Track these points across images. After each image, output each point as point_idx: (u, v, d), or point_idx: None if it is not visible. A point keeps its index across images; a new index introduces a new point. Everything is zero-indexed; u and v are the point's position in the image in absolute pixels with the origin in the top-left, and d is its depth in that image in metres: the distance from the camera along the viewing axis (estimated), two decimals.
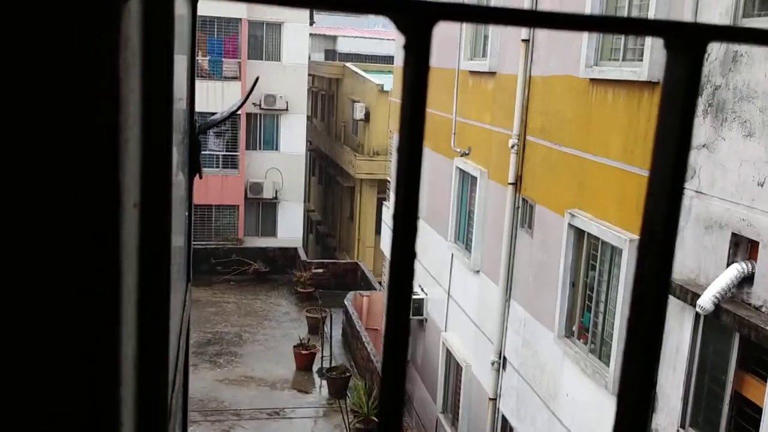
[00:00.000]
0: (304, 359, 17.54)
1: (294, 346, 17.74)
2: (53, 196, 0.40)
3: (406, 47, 0.46)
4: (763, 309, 5.65)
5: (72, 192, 0.41)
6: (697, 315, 6.28)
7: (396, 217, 0.45)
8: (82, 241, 0.42)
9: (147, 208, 0.57)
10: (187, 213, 1.54)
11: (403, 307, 0.48)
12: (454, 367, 12.86)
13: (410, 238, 0.45)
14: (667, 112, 0.49)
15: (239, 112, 25.21)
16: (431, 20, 0.44)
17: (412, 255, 0.48)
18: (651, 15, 7.16)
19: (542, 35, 9.73)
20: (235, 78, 25.40)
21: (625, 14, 7.95)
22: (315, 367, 17.59)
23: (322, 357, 17.41)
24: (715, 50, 6.27)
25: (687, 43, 0.48)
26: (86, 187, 0.41)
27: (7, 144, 0.41)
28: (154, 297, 0.63)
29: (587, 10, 8.37)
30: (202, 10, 26.29)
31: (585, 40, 8.40)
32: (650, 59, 7.13)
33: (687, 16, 6.57)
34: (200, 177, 1.64)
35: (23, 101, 0.41)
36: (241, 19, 25.25)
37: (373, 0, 0.44)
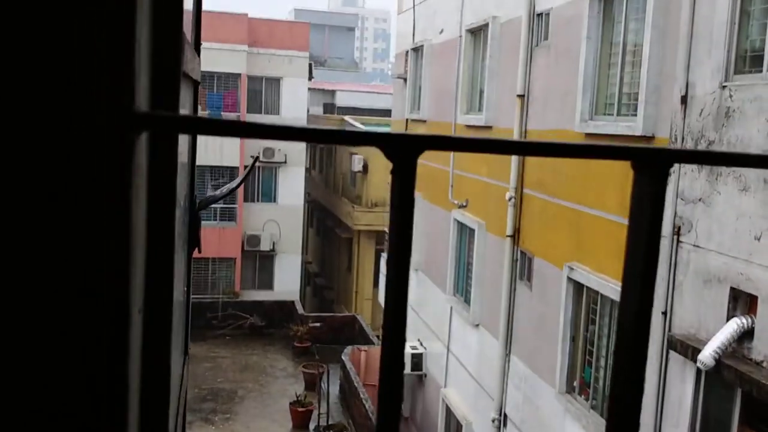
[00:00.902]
0: (301, 417, 17.25)
1: (290, 403, 17.47)
2: (72, 312, 0.43)
3: (392, 172, 0.51)
4: (764, 364, 5.62)
5: (82, 308, 0.44)
6: (698, 370, 6.24)
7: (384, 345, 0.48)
8: (90, 360, 0.45)
9: (149, 311, 0.61)
10: (185, 288, 1.57)
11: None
12: (454, 425, 12.66)
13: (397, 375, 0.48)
14: (635, 227, 0.53)
15: (237, 166, 25.42)
16: (415, 150, 0.48)
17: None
18: (644, 72, 7.31)
19: (538, 90, 9.92)
20: None
21: (618, 73, 8.12)
22: (312, 425, 17.29)
23: (319, 414, 17.13)
24: (708, 105, 6.38)
25: (652, 165, 0.52)
26: (97, 304, 0.44)
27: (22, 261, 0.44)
28: (156, 392, 0.65)
29: (581, 69, 8.56)
30: (203, 65, 26.69)
31: (580, 95, 8.56)
32: (644, 114, 7.26)
33: (679, 74, 6.72)
34: (199, 251, 1.67)
35: (40, 227, 0.44)
36: (240, 74, 25.68)
37: (366, 134, 0.48)
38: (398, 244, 0.51)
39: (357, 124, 28.20)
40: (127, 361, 0.45)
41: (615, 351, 0.57)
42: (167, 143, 0.64)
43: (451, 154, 12.80)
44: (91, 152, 0.43)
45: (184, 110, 1.38)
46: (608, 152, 0.54)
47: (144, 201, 0.58)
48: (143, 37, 0.55)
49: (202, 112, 25.92)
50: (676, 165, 7.01)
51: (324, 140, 0.50)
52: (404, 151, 0.50)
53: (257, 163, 26.37)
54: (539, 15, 9.86)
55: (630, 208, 0.54)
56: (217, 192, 2.83)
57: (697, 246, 6.44)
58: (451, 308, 12.81)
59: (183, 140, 1.36)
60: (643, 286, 0.53)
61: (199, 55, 1.50)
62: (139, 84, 0.50)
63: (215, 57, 24.87)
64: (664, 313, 6.79)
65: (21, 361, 0.46)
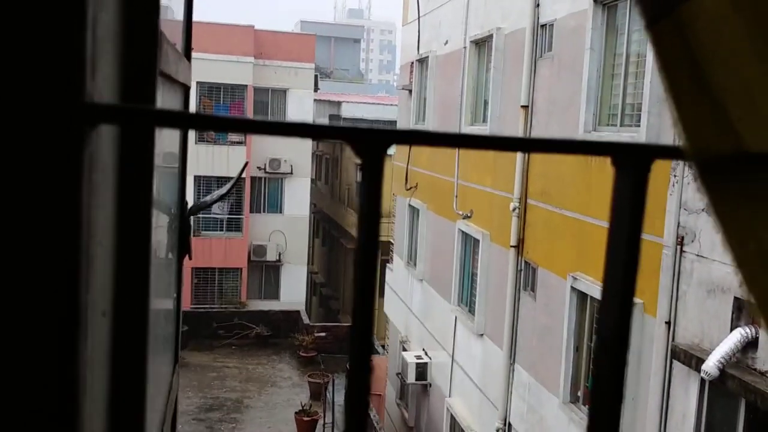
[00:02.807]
0: (306, 426, 17.20)
1: (296, 413, 17.42)
2: (12, 310, 0.42)
3: (361, 168, 0.49)
4: None
5: (27, 310, 0.42)
6: (702, 380, 6.18)
7: (350, 342, 0.46)
8: (37, 361, 0.43)
9: (120, 316, 0.59)
10: (176, 295, 1.55)
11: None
12: None
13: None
14: (617, 225, 0.51)
15: (244, 177, 25.47)
16: (383, 145, 0.47)
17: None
18: (647, 82, 7.30)
19: (541, 101, 9.91)
20: (240, 143, 25.76)
21: (621, 83, 8.11)
22: None
23: (324, 424, 17.06)
24: None
25: (633, 161, 0.50)
26: (41, 307, 0.43)
27: None
28: (128, 406, 0.63)
29: (584, 80, 8.55)
30: (209, 76, 26.68)
31: (583, 105, 8.55)
32: (648, 124, 7.24)
33: None
34: (190, 258, 1.66)
35: None
36: (246, 85, 25.78)
37: (333, 128, 0.47)
38: (366, 240, 0.50)
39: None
40: (77, 362, 0.44)
41: (595, 351, 0.55)
42: (138, 140, 0.63)
43: (456, 165, 12.79)
44: (36, 143, 0.42)
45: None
46: (589, 148, 0.52)
47: (110, 200, 0.56)
48: (110, 31, 0.53)
49: None
50: (680, 175, 6.95)
51: (290, 133, 0.49)
52: (372, 145, 0.48)
53: (264, 174, 26.44)
54: (543, 26, 9.86)
55: (611, 205, 0.52)
56: (207, 198, 2.82)
57: (701, 256, 6.40)
58: (456, 318, 12.76)
59: (170, 143, 1.35)
60: (624, 285, 0.51)
61: (189, 61, 1.50)
62: (98, 76, 0.48)
63: (222, 68, 25.00)
64: (668, 323, 6.74)
65: None
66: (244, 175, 25.48)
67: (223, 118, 0.45)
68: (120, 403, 0.61)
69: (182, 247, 1.53)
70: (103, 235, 0.53)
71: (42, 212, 0.42)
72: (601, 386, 0.51)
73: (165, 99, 1.10)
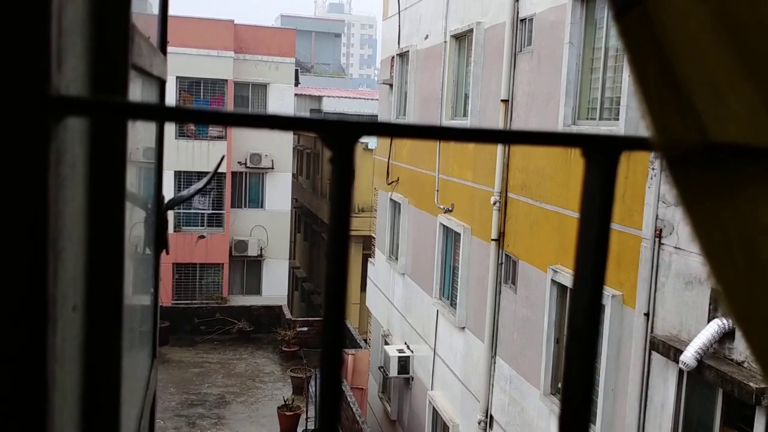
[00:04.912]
0: (289, 421, 17.19)
1: (278, 408, 17.40)
2: None
3: (331, 161, 0.49)
4: (745, 365, 5.65)
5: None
6: (681, 371, 6.26)
7: (323, 335, 0.46)
8: (5, 355, 0.43)
9: (93, 310, 0.58)
10: (153, 290, 1.54)
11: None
12: (441, 427, 12.64)
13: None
14: (587, 215, 0.52)
15: (225, 172, 25.33)
16: (353, 136, 0.47)
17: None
18: (626, 76, 7.35)
19: (521, 95, 9.95)
20: (220, 137, 25.61)
21: (600, 77, 8.16)
22: (300, 429, 17.22)
23: (306, 418, 17.07)
24: None
25: (603, 152, 0.51)
26: (8, 300, 0.42)
27: None
28: (102, 401, 0.63)
29: (563, 74, 8.59)
30: (189, 71, 26.49)
31: (563, 99, 8.60)
32: (626, 118, 7.30)
33: None
34: (167, 253, 1.64)
35: None
36: (227, 80, 25.62)
37: (303, 120, 0.47)
38: (336, 233, 0.50)
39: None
40: (45, 356, 0.43)
41: (567, 341, 0.56)
42: (108, 133, 0.62)
43: (437, 159, 12.81)
44: None
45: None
46: (559, 139, 0.53)
47: (81, 194, 0.55)
48: (77, 22, 0.53)
49: None
50: (658, 168, 7.02)
51: (260, 125, 0.49)
52: (342, 137, 0.48)
53: (245, 169, 26.31)
54: (522, 21, 9.89)
55: (581, 196, 0.52)
56: (185, 192, 2.80)
57: (679, 248, 6.47)
58: (437, 312, 12.80)
59: (146, 137, 1.34)
60: (594, 276, 0.52)
61: (165, 55, 1.48)
62: (65, 68, 0.47)
63: (202, 63, 24.82)
64: (647, 315, 6.82)
65: None
66: (224, 170, 25.36)
67: (192, 110, 0.44)
68: (94, 398, 0.61)
69: (159, 241, 1.52)
70: (73, 229, 0.52)
71: (6, 206, 0.41)
72: (572, 372, 0.52)
73: (139, 93, 1.09)
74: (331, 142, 0.47)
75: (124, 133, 0.66)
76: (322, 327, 0.48)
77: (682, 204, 0.49)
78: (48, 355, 0.43)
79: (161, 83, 1.48)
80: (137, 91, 1.03)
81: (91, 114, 0.46)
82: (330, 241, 0.48)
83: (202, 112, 0.43)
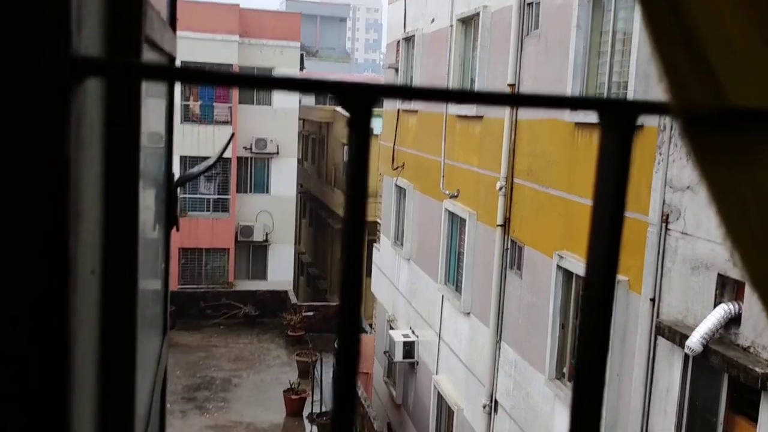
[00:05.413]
0: (295, 404, 17.30)
1: (284, 391, 17.51)
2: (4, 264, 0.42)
3: (349, 123, 0.49)
4: (751, 350, 5.65)
5: (17, 264, 0.43)
6: (686, 356, 6.27)
7: (341, 287, 0.47)
8: (27, 313, 0.43)
9: (110, 274, 0.59)
10: (163, 265, 1.55)
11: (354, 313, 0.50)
12: (445, 411, 12.71)
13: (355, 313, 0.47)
14: (602, 182, 0.52)
15: (230, 157, 25.33)
16: (370, 99, 0.47)
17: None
18: (633, 60, 7.30)
19: (528, 79, 9.90)
20: (226, 122, 25.60)
21: (608, 61, 8.12)
22: (305, 412, 17.34)
23: (312, 402, 17.18)
24: None
25: (619, 117, 0.51)
26: (32, 259, 0.43)
27: None
28: (119, 361, 0.64)
29: (571, 58, 8.54)
30: (194, 56, 26.39)
31: (570, 83, 8.56)
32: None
33: None
34: (177, 230, 1.65)
35: None
36: (232, 65, 25.55)
37: (320, 82, 0.47)
38: (354, 197, 0.50)
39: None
40: (66, 314, 0.44)
41: (581, 312, 0.56)
42: (124, 95, 0.62)
43: (443, 145, 12.78)
44: (22, 97, 0.42)
45: (158, 83, 1.35)
46: (575, 103, 0.53)
47: (98, 159, 0.56)
48: None
49: (194, 103, 25.83)
50: (665, 153, 6.99)
51: (275, 87, 0.49)
52: (360, 99, 0.49)
53: (250, 154, 26.30)
54: (530, 4, 9.82)
55: (597, 162, 0.52)
56: (194, 169, 2.81)
57: (685, 233, 6.46)
58: (443, 297, 12.83)
59: (157, 112, 1.34)
60: (609, 247, 0.52)
61: (174, 32, 1.48)
62: (84, 33, 0.48)
63: (207, 47, 24.75)
64: (653, 300, 6.82)
65: None
66: (230, 155, 25.36)
67: (208, 72, 0.45)
68: (110, 358, 0.61)
69: (170, 217, 1.53)
70: (91, 193, 0.53)
71: (31, 164, 0.42)
72: (585, 347, 0.52)
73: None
74: (349, 104, 0.47)
75: (139, 94, 0.67)
76: (339, 288, 0.49)
77: (699, 167, 0.49)
78: (71, 310, 0.43)
79: (171, 60, 1.48)
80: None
81: (110, 74, 0.46)
82: (348, 201, 0.49)
83: (216, 74, 0.43)
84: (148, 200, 1.13)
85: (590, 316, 0.55)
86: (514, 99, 0.50)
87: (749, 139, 0.48)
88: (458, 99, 0.49)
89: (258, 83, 0.46)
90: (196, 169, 2.83)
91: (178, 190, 1.69)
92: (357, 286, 0.50)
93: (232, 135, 4.13)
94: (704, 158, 0.49)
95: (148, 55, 0.90)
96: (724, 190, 0.49)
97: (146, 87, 0.90)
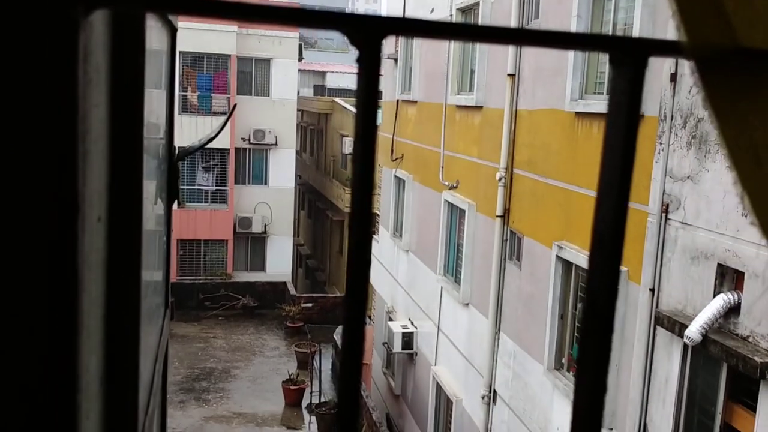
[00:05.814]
0: (294, 395, 17.34)
1: (283, 382, 17.55)
2: (5, 200, 0.41)
3: (358, 60, 0.48)
4: (750, 339, 5.66)
5: (25, 199, 0.42)
6: (686, 346, 6.28)
7: (352, 219, 0.46)
8: (36, 249, 0.43)
9: (115, 223, 0.58)
10: (165, 239, 1.55)
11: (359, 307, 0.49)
12: (444, 402, 12.74)
13: (365, 241, 0.46)
14: (613, 124, 0.51)
15: (228, 148, 25.29)
16: (380, 34, 0.46)
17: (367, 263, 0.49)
18: (637, 15, 7.22)
19: (528, 70, 9.88)
20: (224, 113, 25.53)
21: (611, 21, 8.09)
22: (304, 403, 17.38)
23: (311, 392, 17.22)
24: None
25: (630, 56, 0.50)
26: (41, 193, 0.42)
27: None
28: (123, 309, 0.63)
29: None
30: (192, 46, 26.29)
31: (570, 74, 8.54)
32: None
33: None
34: (179, 205, 1.64)
35: None
36: (230, 55, 25.48)
37: (326, 16, 0.46)
38: (364, 143, 0.49)
39: (347, 105, 28.08)
40: (75, 254, 0.43)
41: (587, 273, 0.55)
42: (130, 28, 0.62)
43: (442, 135, 12.77)
44: (31, 27, 0.41)
45: (162, 54, 1.35)
46: (585, 41, 0.52)
47: (104, 103, 0.55)
48: None
49: (192, 94, 25.76)
50: (665, 143, 6.98)
51: (283, 21, 0.48)
52: (369, 33, 0.48)
53: (248, 145, 26.26)
54: None
55: (608, 104, 0.52)
56: (195, 142, 2.80)
57: (685, 223, 6.46)
58: (442, 288, 12.84)
59: (157, 99, 1.33)
60: (620, 189, 0.51)
61: None
62: None
63: (205, 38, 24.66)
64: (652, 290, 6.83)
65: None
66: (228, 146, 25.32)
67: (213, 2, 0.44)
68: (116, 306, 0.61)
69: (171, 191, 1.53)
70: (97, 136, 0.52)
71: (39, 94, 0.42)
72: (588, 324, 0.51)
73: (158, 40, 1.09)
74: (359, 38, 0.47)
75: (144, 27, 0.66)
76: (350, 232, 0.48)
77: (710, 107, 0.49)
78: (78, 250, 0.43)
79: (173, 31, 1.47)
80: (150, 32, 1.03)
81: (116, 3, 0.46)
82: (356, 143, 0.48)
83: (220, 3, 0.43)
84: (150, 174, 1.12)
85: (596, 295, 0.55)
86: (524, 35, 0.49)
87: (761, 79, 0.48)
88: (465, 35, 0.48)
89: (263, 15, 0.45)
90: (197, 142, 2.82)
91: (179, 165, 1.69)
92: (364, 270, 0.48)
93: (234, 106, 4.11)
94: (716, 97, 0.49)
95: (151, 25, 0.89)
96: (735, 130, 0.48)
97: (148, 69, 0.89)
